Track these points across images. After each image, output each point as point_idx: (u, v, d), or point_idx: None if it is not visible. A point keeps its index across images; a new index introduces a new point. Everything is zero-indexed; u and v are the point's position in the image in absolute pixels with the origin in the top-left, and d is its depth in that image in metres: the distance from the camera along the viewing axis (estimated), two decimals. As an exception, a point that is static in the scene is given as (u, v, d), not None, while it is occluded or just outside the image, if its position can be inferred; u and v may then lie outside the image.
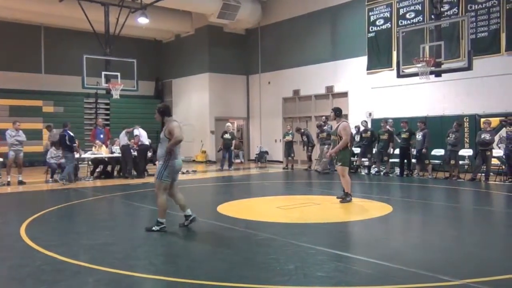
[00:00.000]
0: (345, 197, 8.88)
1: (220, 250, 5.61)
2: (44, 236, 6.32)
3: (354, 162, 15.17)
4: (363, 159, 15.30)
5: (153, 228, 6.42)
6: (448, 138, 13.07)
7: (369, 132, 14.92)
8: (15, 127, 12.84)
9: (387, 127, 14.51)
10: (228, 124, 18.19)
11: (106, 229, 6.85)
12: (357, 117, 16.68)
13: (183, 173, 15.76)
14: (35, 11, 18.65)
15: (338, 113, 9.08)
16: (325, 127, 15.84)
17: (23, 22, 19.93)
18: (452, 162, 12.99)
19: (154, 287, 4.38)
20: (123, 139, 13.98)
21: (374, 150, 14.97)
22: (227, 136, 17.19)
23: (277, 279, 4.35)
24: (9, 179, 12.63)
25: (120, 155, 14.18)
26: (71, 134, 12.71)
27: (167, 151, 6.29)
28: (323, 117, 16.53)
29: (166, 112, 6.56)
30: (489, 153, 12.36)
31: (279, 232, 6.41)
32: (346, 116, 17.26)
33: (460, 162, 13.35)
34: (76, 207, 8.94)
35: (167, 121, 6.48)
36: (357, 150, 15.28)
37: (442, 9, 13.29)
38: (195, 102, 22.13)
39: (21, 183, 12.69)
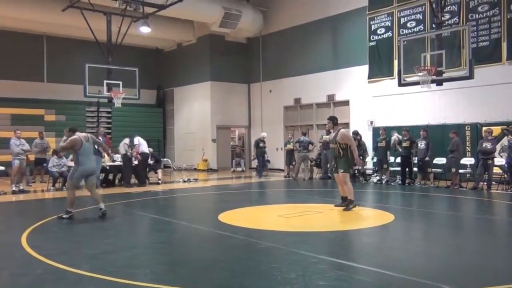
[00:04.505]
0: (348, 205, 8.87)
1: (221, 258, 5.59)
2: (45, 244, 6.31)
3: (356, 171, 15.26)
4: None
5: (63, 216, 8.13)
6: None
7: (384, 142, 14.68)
8: (17, 136, 12.87)
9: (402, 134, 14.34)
10: (264, 134, 18.40)
11: (107, 237, 6.84)
12: (358, 125, 16.69)
13: (184, 181, 15.81)
14: (38, 21, 18.76)
15: (336, 122, 9.31)
16: (301, 138, 16.74)
17: (25, 31, 20.03)
18: (453, 170, 12.96)
19: (155, 296, 4.36)
20: (122, 148, 14.03)
21: (375, 159, 15.06)
22: (262, 145, 17.64)
23: (279, 288, 4.33)
24: (14, 188, 12.62)
25: (121, 163, 14.21)
26: (100, 139, 13.55)
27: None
28: (327, 126, 16.52)
29: (70, 130, 8.51)
30: (490, 162, 12.33)
31: (281, 240, 6.39)
32: (347, 124, 17.31)
33: (462, 170, 13.33)
34: (77, 216, 8.92)
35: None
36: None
37: (443, 18, 13.32)
38: (197, 110, 22.18)
39: (22, 191, 12.69)
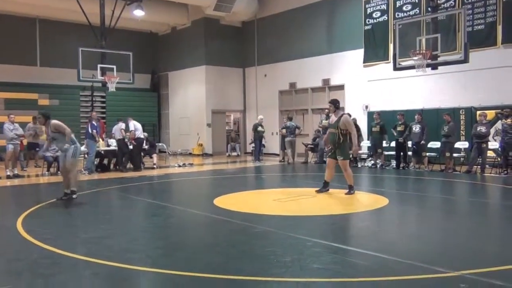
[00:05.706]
0: (350, 190, 8.91)
1: (217, 242, 5.62)
2: (40, 229, 6.30)
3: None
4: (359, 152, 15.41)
5: (73, 196, 8.46)
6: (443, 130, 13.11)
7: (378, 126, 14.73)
8: (10, 120, 12.80)
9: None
10: (261, 116, 18.09)
11: (103, 222, 6.85)
12: (353, 109, 16.68)
13: (179, 166, 15.80)
14: (30, 3, 18.50)
15: (337, 105, 9.10)
16: (287, 123, 16.78)
17: (18, 14, 19.75)
18: (448, 154, 13.01)
19: (151, 279, 4.38)
20: (118, 133, 13.99)
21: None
22: (260, 128, 17.38)
23: (274, 271, 4.36)
24: (8, 173, 12.60)
25: (116, 148, 14.18)
26: (94, 123, 13.68)
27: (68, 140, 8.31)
28: (326, 110, 16.51)
29: (47, 116, 8.62)
30: (484, 145, 12.39)
31: (276, 224, 6.42)
32: (342, 108, 17.25)
33: (456, 154, 13.39)
34: (73, 200, 8.92)
35: (51, 123, 8.37)
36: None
37: (438, 1, 13.28)
38: (192, 94, 22.08)
39: (17, 176, 12.66)
